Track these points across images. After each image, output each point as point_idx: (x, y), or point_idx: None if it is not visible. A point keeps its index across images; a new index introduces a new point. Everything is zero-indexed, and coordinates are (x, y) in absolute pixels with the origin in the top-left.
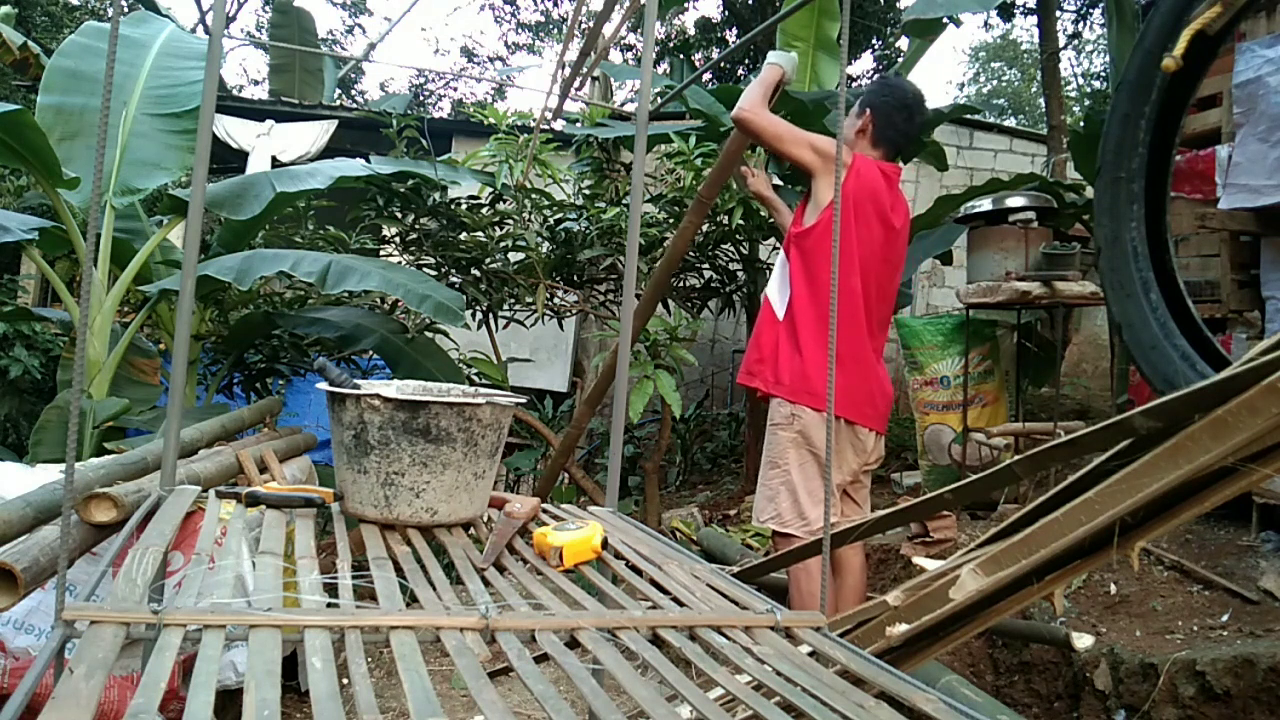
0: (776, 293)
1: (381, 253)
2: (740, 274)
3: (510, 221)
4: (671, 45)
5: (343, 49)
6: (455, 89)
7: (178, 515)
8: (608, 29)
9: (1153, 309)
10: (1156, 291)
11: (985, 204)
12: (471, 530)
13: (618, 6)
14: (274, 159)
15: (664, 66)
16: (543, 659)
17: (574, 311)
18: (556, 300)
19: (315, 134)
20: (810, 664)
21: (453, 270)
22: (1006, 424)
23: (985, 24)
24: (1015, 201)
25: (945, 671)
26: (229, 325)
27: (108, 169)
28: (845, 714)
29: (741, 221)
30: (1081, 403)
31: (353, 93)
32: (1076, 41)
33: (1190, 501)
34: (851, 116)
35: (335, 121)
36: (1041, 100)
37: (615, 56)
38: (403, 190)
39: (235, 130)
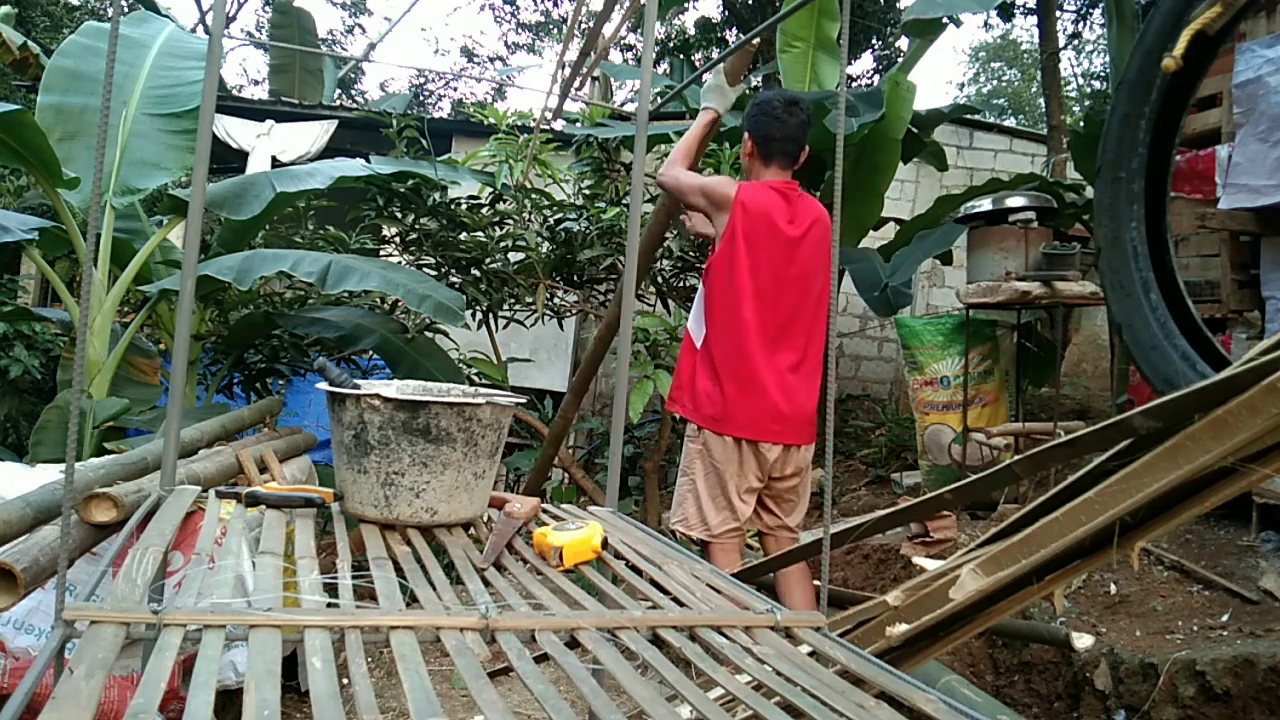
0: (694, 323)
1: (381, 253)
2: None
3: (510, 221)
4: (671, 45)
5: (343, 49)
6: (455, 89)
7: (178, 515)
8: (608, 29)
9: (1153, 309)
10: (1156, 291)
11: (985, 204)
12: (471, 530)
13: (618, 6)
14: (274, 159)
15: (664, 66)
16: (543, 659)
17: (574, 311)
18: (556, 300)
19: (315, 134)
20: (810, 664)
21: (453, 270)
22: (1006, 424)
23: (985, 24)
24: (1015, 201)
25: (945, 671)
26: (229, 325)
27: (108, 169)
28: (845, 714)
29: None
30: (1081, 403)
31: (353, 93)
32: (1076, 41)
33: (1190, 501)
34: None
35: (335, 121)
36: (1041, 100)
37: (615, 56)
38: (403, 190)
39: (235, 130)
